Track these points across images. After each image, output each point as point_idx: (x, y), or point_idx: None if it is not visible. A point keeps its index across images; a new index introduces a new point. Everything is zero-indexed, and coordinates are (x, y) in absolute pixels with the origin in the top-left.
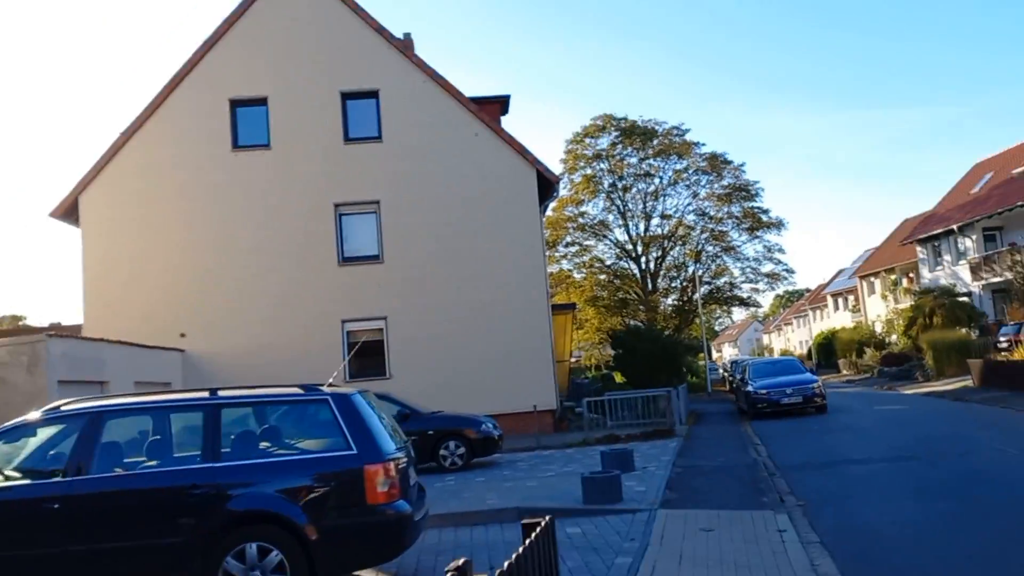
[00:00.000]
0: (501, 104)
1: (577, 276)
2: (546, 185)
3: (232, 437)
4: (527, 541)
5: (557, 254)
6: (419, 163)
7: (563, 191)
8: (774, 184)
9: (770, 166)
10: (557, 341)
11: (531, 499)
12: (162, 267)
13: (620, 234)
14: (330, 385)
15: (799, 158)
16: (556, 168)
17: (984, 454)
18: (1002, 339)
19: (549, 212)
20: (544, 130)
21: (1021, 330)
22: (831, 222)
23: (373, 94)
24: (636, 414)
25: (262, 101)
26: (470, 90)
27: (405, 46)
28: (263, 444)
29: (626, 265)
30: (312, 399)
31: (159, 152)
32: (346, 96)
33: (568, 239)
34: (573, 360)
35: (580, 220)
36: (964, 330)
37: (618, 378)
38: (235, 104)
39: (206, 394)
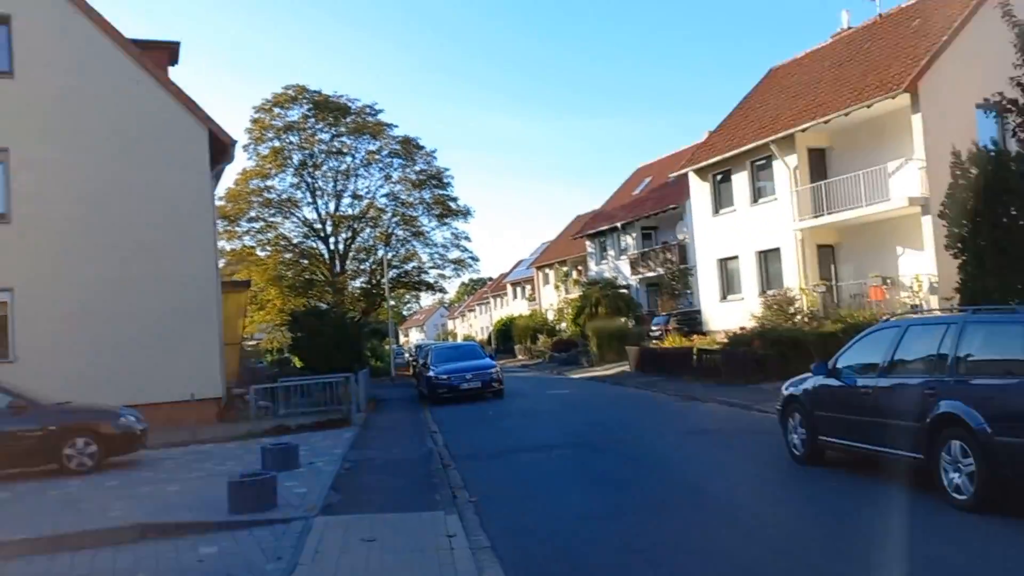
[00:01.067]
0: (169, 51)
1: (261, 254)
2: (220, 148)
3: None
4: None
5: (239, 229)
6: (63, 109)
7: (249, 163)
8: (463, 177)
9: (462, 159)
10: (229, 322)
11: (165, 510)
12: None
13: (309, 212)
14: None
15: (490, 155)
16: (241, 138)
17: (650, 439)
18: (654, 328)
19: (231, 184)
20: (223, 97)
21: (670, 320)
22: (515, 218)
23: (3, 20)
24: (312, 402)
25: None
26: (134, 34)
27: None
28: None
29: (314, 245)
30: None
31: None
32: None
33: (252, 214)
34: (253, 343)
35: (266, 195)
36: (623, 319)
37: (297, 362)
38: None
39: None
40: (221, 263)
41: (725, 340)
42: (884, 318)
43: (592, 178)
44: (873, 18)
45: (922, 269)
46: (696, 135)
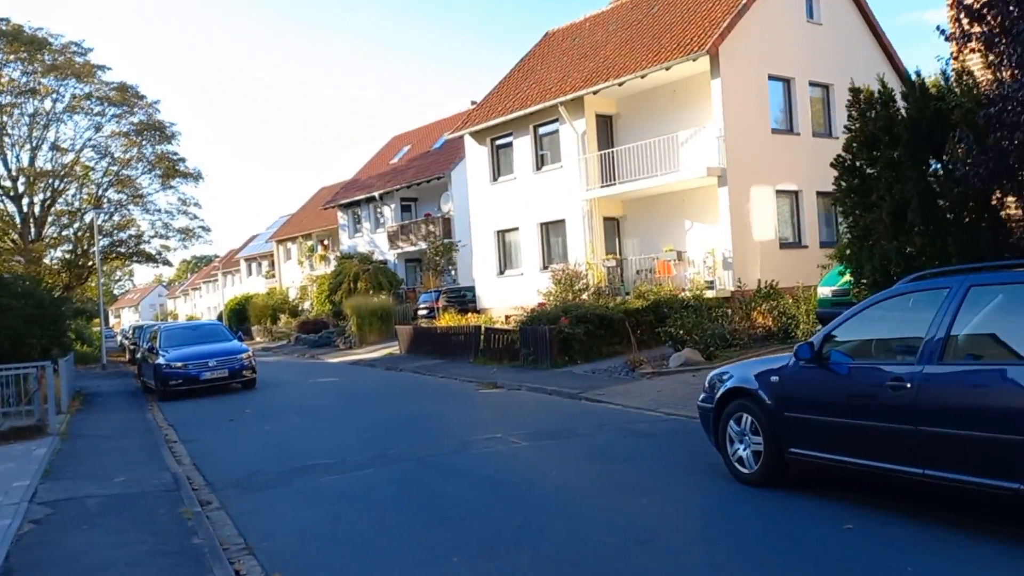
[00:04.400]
0: None
1: None
2: None
3: None
4: None
5: None
6: None
7: None
8: (188, 142)
9: (188, 123)
10: None
11: None
12: None
13: None
14: None
15: (221, 121)
16: None
17: (494, 447)
18: (422, 306)
19: None
20: None
21: (440, 297)
22: (249, 190)
23: None
24: None
25: None
26: None
27: None
28: None
29: (2, 205)
30: None
31: None
32: None
33: None
34: None
35: None
36: (384, 296)
37: None
38: None
39: None
40: None
41: (511, 317)
42: (912, 277)
43: (337, 150)
44: None
45: (714, 244)
46: (456, 104)
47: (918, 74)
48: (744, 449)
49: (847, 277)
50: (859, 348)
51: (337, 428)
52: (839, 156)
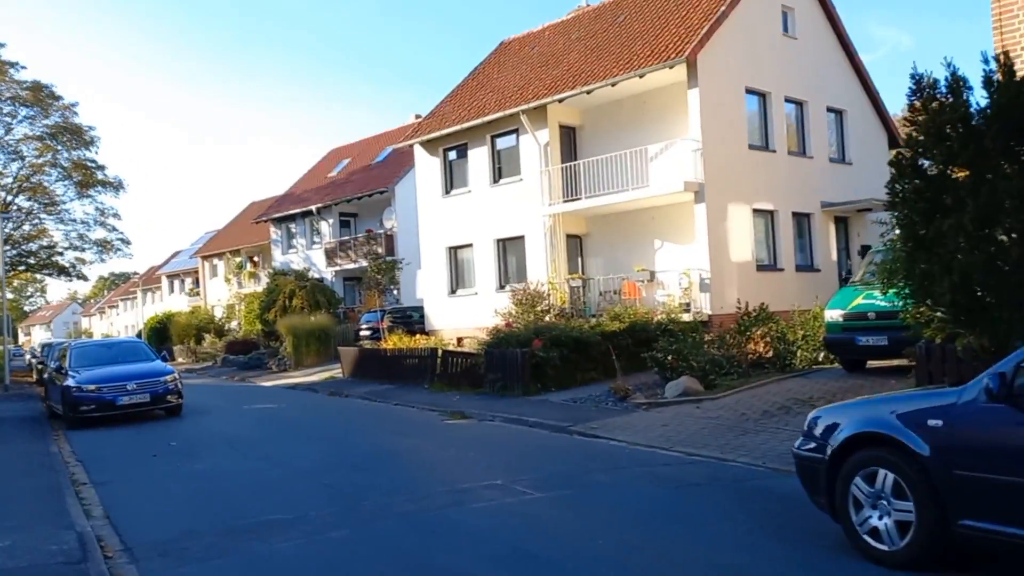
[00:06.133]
0: None
1: None
2: None
3: None
4: None
5: None
6: None
7: None
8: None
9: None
10: None
11: None
12: None
13: None
14: None
15: (144, 130)
16: None
17: (488, 498)
18: (365, 327)
19: None
20: None
21: (384, 317)
22: (171, 206)
23: None
24: None
25: None
26: None
27: None
28: None
29: None
30: None
31: None
32: None
33: None
34: None
35: None
36: (322, 315)
37: None
38: None
39: None
40: None
41: (464, 339)
42: None
43: (270, 165)
44: None
45: (687, 264)
46: (398, 118)
47: (1005, 54)
48: (882, 518)
49: (860, 299)
50: None
51: (288, 469)
52: (899, 153)
